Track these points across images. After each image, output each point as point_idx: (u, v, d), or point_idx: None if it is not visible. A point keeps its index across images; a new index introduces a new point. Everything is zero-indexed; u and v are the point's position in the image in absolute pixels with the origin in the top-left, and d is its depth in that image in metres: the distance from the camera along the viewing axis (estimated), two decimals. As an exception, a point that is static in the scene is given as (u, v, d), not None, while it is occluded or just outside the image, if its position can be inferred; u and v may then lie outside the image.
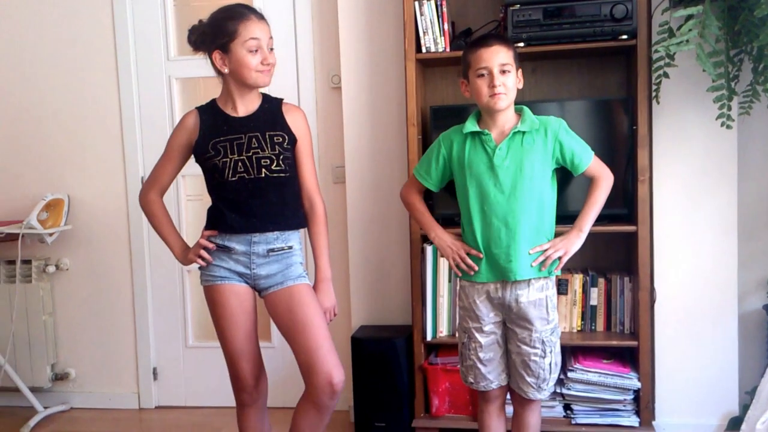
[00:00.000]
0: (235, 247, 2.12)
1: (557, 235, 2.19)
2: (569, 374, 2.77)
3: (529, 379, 2.15)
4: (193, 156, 2.20)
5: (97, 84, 3.41)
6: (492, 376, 2.21)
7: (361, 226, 3.14)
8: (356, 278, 3.15)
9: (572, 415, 2.79)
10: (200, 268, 2.19)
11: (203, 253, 2.15)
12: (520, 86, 2.15)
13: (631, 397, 2.73)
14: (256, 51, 2.07)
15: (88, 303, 3.50)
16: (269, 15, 2.21)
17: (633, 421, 2.72)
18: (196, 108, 2.21)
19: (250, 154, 2.09)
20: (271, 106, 2.18)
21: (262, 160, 2.10)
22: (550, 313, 2.15)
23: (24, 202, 3.42)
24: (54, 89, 3.45)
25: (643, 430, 2.70)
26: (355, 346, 2.95)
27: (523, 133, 2.11)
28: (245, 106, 2.15)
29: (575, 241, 2.13)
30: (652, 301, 2.75)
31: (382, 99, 3.08)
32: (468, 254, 2.16)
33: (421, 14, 2.74)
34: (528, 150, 2.10)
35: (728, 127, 2.46)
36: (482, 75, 2.07)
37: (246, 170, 2.09)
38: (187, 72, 3.38)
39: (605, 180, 2.16)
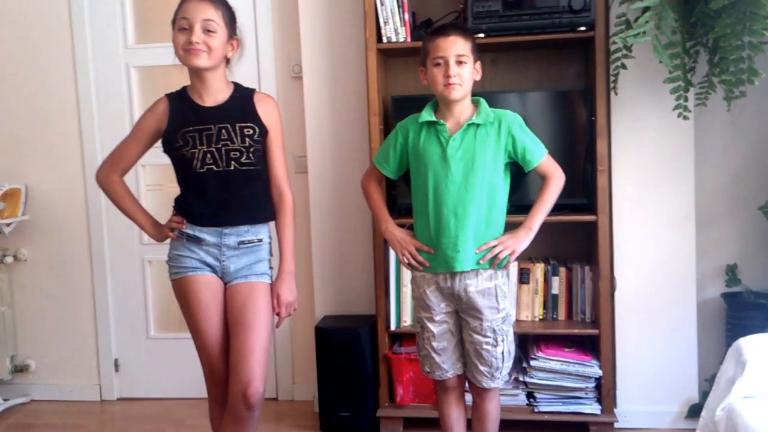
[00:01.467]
0: (206, 237, 2.08)
1: (508, 228, 2.19)
2: (532, 363, 2.79)
3: (482, 368, 2.17)
4: (161, 144, 2.13)
5: (54, 72, 3.34)
6: (446, 365, 2.21)
7: (324, 216, 3.12)
8: (319, 268, 3.14)
9: (535, 403, 2.81)
10: (168, 260, 2.15)
11: (175, 220, 2.11)
12: (478, 78, 2.14)
13: (593, 384, 2.76)
14: (185, 30, 2.00)
15: (48, 294, 3.45)
16: (231, 3, 2.15)
17: (595, 408, 2.76)
18: (166, 95, 2.15)
19: (220, 145, 2.04)
20: (242, 96, 2.13)
21: (232, 153, 2.05)
22: (500, 302, 2.15)
23: (-20, 193, 3.35)
24: (9, 78, 3.37)
25: (605, 417, 2.74)
26: (319, 336, 2.94)
27: (478, 125, 2.11)
28: (212, 95, 2.09)
29: (524, 239, 2.13)
30: (612, 289, 2.77)
31: (344, 89, 3.06)
32: (419, 250, 2.17)
33: (382, 4, 2.72)
34: (481, 142, 2.09)
35: (685, 118, 2.48)
36: (438, 64, 2.07)
37: (215, 162, 2.05)
38: (146, 60, 3.32)
39: (556, 179, 2.16)
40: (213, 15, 2.02)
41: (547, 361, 2.78)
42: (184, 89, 2.14)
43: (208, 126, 2.05)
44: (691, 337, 2.83)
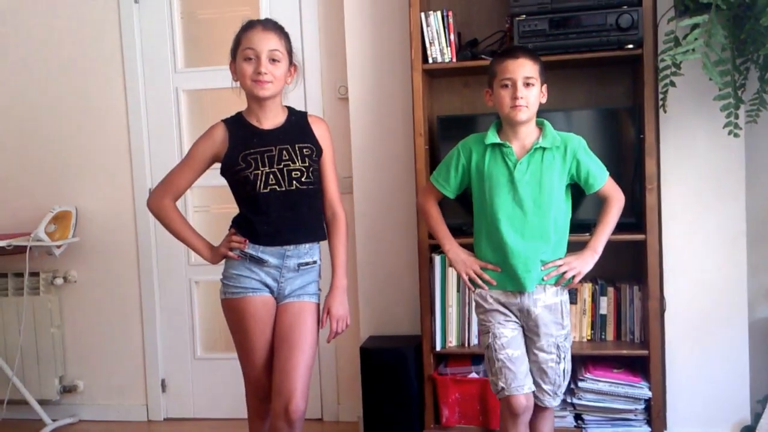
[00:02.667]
0: (268, 259, 2.14)
1: (569, 246, 2.22)
2: (580, 384, 2.76)
3: (546, 387, 2.18)
4: (220, 168, 2.19)
5: (105, 96, 3.43)
6: (522, 375, 2.17)
7: (369, 236, 3.14)
8: (364, 288, 3.15)
9: (583, 425, 2.78)
10: (224, 279, 2.19)
11: (233, 243, 2.15)
12: (544, 101, 2.18)
13: (643, 406, 2.72)
14: (251, 60, 2.07)
15: (96, 315, 3.51)
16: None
17: (644, 430, 2.71)
18: (222, 121, 2.21)
19: (281, 166, 2.11)
20: (298, 119, 2.21)
21: (293, 173, 2.11)
22: (564, 318, 2.19)
23: (32, 215, 3.42)
24: (62, 101, 3.47)
25: (655, 440, 2.70)
26: (364, 357, 2.94)
27: (544, 149, 2.14)
28: (269, 118, 2.16)
29: (589, 261, 2.18)
30: (662, 309, 2.74)
31: (389, 109, 3.09)
32: (485, 269, 2.20)
33: (428, 25, 2.75)
34: (548, 166, 2.13)
35: (735, 135, 2.46)
36: (506, 86, 2.10)
37: (277, 182, 2.11)
38: (195, 84, 3.39)
39: (617, 201, 2.20)
40: (278, 45, 2.09)
41: (596, 383, 2.74)
42: (239, 114, 2.21)
43: (269, 148, 2.12)
44: (742, 358, 2.78)
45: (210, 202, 3.51)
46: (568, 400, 2.80)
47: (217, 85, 3.37)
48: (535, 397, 2.20)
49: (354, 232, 3.15)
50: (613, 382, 2.72)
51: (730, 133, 2.46)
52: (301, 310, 2.16)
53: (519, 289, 2.16)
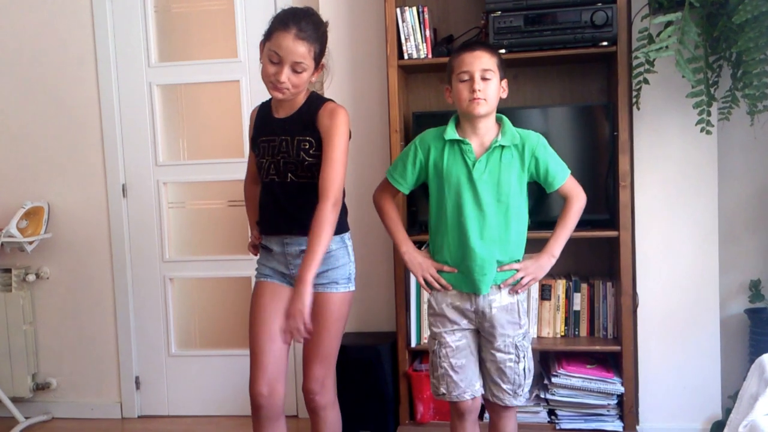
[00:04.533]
0: (273, 247, 2.15)
1: (529, 244, 2.18)
2: (553, 380, 2.77)
3: (505, 386, 2.13)
4: None
5: (77, 90, 3.38)
6: (464, 384, 2.14)
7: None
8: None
9: (556, 421, 2.79)
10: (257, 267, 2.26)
11: (251, 249, 2.31)
12: (504, 95, 2.11)
13: (615, 401, 2.74)
14: (275, 63, 2.00)
15: (69, 312, 3.47)
16: (252, 20, 2.12)
17: (617, 425, 2.73)
18: (261, 103, 2.23)
19: (279, 158, 2.09)
20: (310, 108, 2.09)
21: (288, 165, 2.09)
22: (521, 318, 2.13)
23: (3, 211, 3.38)
24: (33, 96, 3.41)
25: (627, 435, 2.72)
26: (339, 353, 2.92)
27: (503, 147, 2.08)
28: (285, 108, 2.12)
29: (546, 265, 2.13)
30: (635, 306, 2.76)
31: (365, 105, 3.08)
32: (441, 272, 2.14)
33: (403, 21, 2.74)
34: (506, 165, 2.07)
35: (708, 132, 2.48)
36: (464, 80, 2.03)
37: (276, 173, 2.10)
38: (169, 78, 3.35)
39: (578, 201, 2.13)
40: (304, 55, 2.00)
41: (569, 378, 2.75)
42: (270, 99, 2.19)
43: (273, 138, 2.11)
44: (714, 354, 2.81)
45: (185, 198, 3.48)
46: (542, 396, 2.82)
47: (191, 79, 3.35)
48: (496, 396, 2.16)
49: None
50: (586, 378, 2.74)
51: (702, 130, 2.47)
52: (316, 301, 2.04)
53: (474, 291, 2.10)
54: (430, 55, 2.76)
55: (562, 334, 2.88)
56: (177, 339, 3.46)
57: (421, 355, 2.97)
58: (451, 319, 2.14)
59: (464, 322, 2.14)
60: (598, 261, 2.96)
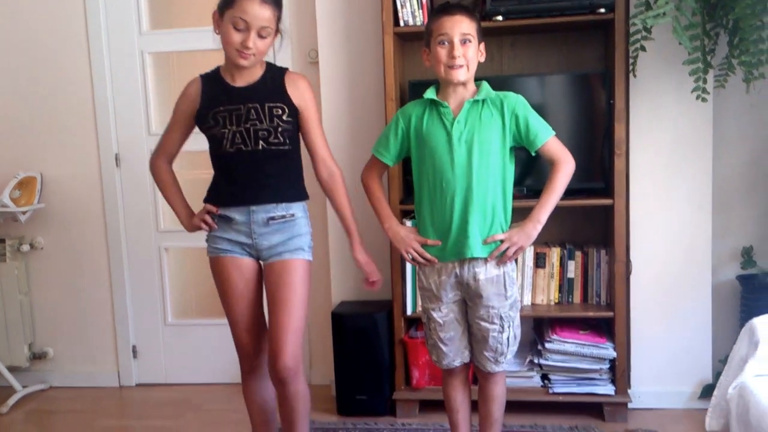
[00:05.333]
0: (235, 217, 2.10)
1: (517, 213, 2.16)
2: (547, 345, 2.81)
3: (486, 354, 2.14)
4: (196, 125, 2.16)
5: (68, 59, 3.33)
6: (453, 354, 2.18)
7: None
8: (336, 254, 3.15)
9: (549, 385, 2.84)
10: (207, 239, 2.19)
11: (207, 218, 2.14)
12: (482, 59, 2.09)
13: (607, 366, 2.78)
14: (240, 30, 1.99)
15: (65, 282, 3.47)
16: None
17: (609, 389, 2.78)
18: (200, 75, 2.16)
19: (248, 125, 2.05)
20: (273, 76, 2.11)
21: (260, 132, 2.05)
22: (507, 290, 2.11)
23: (-5, 181, 3.36)
24: (24, 66, 3.37)
25: (619, 398, 2.77)
26: (336, 322, 2.96)
27: (482, 103, 2.05)
28: (243, 76, 2.08)
29: (532, 233, 2.08)
30: (628, 272, 2.79)
31: (360, 74, 3.06)
32: (426, 247, 2.12)
33: (399, -13, 2.71)
34: (486, 124, 2.04)
35: (704, 100, 2.48)
36: (443, 43, 2.01)
37: (243, 142, 2.06)
38: (161, 46, 3.32)
39: (565, 165, 2.07)
40: (270, 20, 2.01)
41: (562, 344, 2.79)
42: (217, 69, 2.15)
43: (237, 106, 2.06)
44: (705, 319, 2.85)
45: (179, 168, 3.43)
46: (535, 361, 2.86)
47: (184, 47, 3.31)
48: (479, 363, 2.18)
49: (325, 198, 3.12)
50: (579, 343, 2.78)
51: (698, 97, 2.48)
52: (283, 270, 2.11)
53: (459, 257, 2.08)
54: (426, 22, 2.73)
55: (556, 301, 2.91)
56: (173, 308, 3.47)
57: (416, 322, 3.00)
58: (437, 295, 2.14)
59: (451, 295, 2.13)
60: (593, 229, 2.98)
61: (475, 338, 2.16)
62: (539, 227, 2.08)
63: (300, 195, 2.17)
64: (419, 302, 2.86)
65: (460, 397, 2.25)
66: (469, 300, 2.13)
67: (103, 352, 3.49)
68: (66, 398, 3.39)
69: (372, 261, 2.24)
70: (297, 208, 2.15)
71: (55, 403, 3.35)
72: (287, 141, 2.09)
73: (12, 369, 3.38)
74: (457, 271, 2.09)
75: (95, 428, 3.02)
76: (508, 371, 2.50)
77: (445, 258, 2.10)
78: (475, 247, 2.06)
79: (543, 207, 2.07)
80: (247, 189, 2.09)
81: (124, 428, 3.03)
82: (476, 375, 2.24)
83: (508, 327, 2.11)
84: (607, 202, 2.70)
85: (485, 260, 2.07)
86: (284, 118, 2.08)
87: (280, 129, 2.07)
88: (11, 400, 3.24)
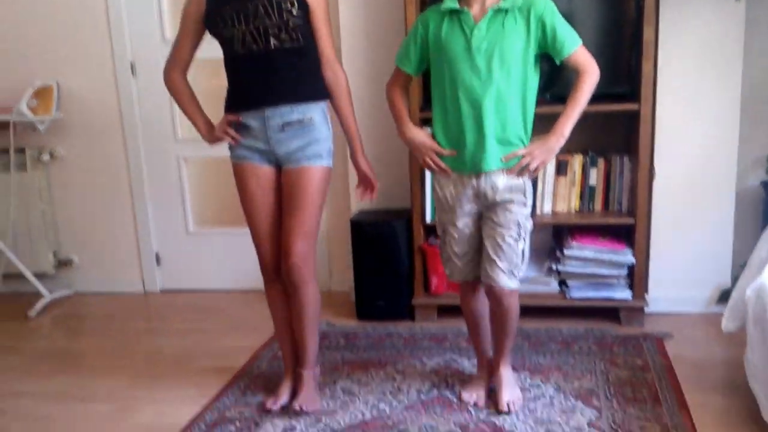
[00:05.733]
0: (250, 123, 2.08)
1: (540, 122, 2.09)
2: (566, 252, 2.82)
3: (501, 264, 2.03)
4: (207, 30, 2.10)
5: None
6: (468, 269, 2.15)
7: (359, 109, 3.06)
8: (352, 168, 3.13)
9: (567, 290, 2.87)
10: (229, 146, 2.17)
11: (229, 130, 2.12)
12: None
13: (625, 272, 2.80)
14: None
15: (85, 191, 3.51)
16: None
17: (626, 294, 2.80)
18: None
19: (257, 24, 1.98)
20: None
21: (270, 30, 1.99)
22: (527, 198, 2.04)
23: (12, 91, 3.34)
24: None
25: (635, 303, 2.79)
26: (355, 230, 2.98)
27: (505, 12, 1.92)
28: None
29: (555, 147, 1.98)
30: (651, 179, 2.76)
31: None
32: (441, 157, 2.06)
33: None
34: (509, 31, 1.92)
35: (737, 0, 2.39)
36: None
37: (254, 41, 2.00)
38: (173, -51, 3.23)
39: (590, 76, 1.95)
40: None
41: (581, 250, 2.80)
42: None
43: (244, 4, 1.99)
44: (727, 226, 2.83)
45: (196, 75, 3.39)
46: (553, 268, 2.88)
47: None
48: (490, 278, 2.06)
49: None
50: (598, 250, 2.79)
51: (731, -3, 2.38)
52: (299, 176, 2.10)
53: (475, 170, 2.01)
54: None
55: (577, 209, 2.90)
56: (194, 217, 3.51)
57: (435, 230, 3.01)
58: (452, 207, 2.09)
59: (467, 207, 2.07)
60: (616, 136, 2.94)
61: (487, 250, 2.06)
62: (562, 141, 1.97)
63: (317, 94, 2.10)
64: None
65: (479, 306, 2.23)
66: (487, 210, 2.06)
67: (127, 260, 3.56)
68: (92, 303, 3.49)
69: (372, 169, 2.24)
70: (315, 111, 2.09)
71: (82, 307, 3.45)
72: (299, 38, 2.03)
73: (38, 276, 3.46)
74: (474, 182, 2.03)
75: (123, 330, 3.11)
76: (525, 279, 2.45)
77: (461, 170, 2.03)
78: (493, 162, 1.99)
79: (567, 120, 1.96)
80: (261, 91, 2.04)
81: (152, 330, 3.13)
82: (488, 300, 2.15)
83: (524, 239, 2.04)
84: (632, 107, 2.65)
85: (503, 171, 2.00)
86: (294, 12, 2.00)
87: (290, 24, 2.01)
88: (39, 305, 3.34)
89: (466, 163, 2.01)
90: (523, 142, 2.01)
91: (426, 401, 2.29)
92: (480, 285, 2.17)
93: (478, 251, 2.12)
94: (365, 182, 2.26)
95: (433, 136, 2.09)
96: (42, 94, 3.33)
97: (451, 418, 2.17)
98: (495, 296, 2.09)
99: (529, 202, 2.06)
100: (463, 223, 2.09)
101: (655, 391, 2.27)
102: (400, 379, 2.44)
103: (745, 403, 2.16)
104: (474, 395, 2.28)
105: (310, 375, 2.29)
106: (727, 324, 2.25)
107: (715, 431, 2.04)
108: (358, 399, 2.32)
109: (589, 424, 2.09)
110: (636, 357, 2.52)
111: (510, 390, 2.22)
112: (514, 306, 2.11)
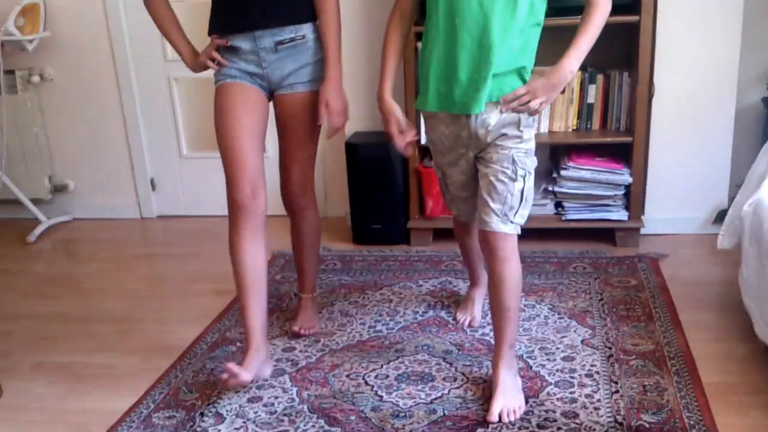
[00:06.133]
0: (240, 45, 1.94)
1: (553, 33, 1.93)
2: (562, 173, 2.80)
3: (493, 206, 1.78)
4: None
5: None
6: (473, 210, 2.01)
7: (354, 29, 3.01)
8: (349, 84, 3.04)
9: (563, 212, 2.86)
10: (215, 73, 2.01)
11: (215, 54, 1.97)
12: None
13: (622, 192, 2.79)
14: None
15: (77, 114, 3.45)
16: None
17: (622, 215, 2.80)
18: None
19: None
20: None
21: None
22: (523, 131, 1.78)
23: (-3, 10, 3.25)
24: None
25: (631, 224, 2.79)
26: (350, 152, 2.95)
27: None
28: None
29: (560, 84, 1.71)
30: (650, 95, 2.71)
31: None
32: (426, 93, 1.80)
33: None
34: None
35: None
36: None
37: None
38: None
39: (601, 9, 1.71)
40: None
41: (578, 171, 2.78)
42: None
43: None
44: (726, 144, 2.80)
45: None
46: (550, 189, 2.87)
47: None
48: (483, 221, 1.82)
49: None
50: (595, 170, 2.77)
51: None
52: (293, 103, 1.99)
53: (466, 111, 1.75)
54: None
55: (575, 127, 2.86)
56: (188, 141, 3.47)
57: (430, 151, 2.98)
58: (448, 148, 1.86)
59: (462, 150, 1.84)
60: (616, 50, 2.85)
61: (480, 192, 1.82)
62: (569, 77, 1.71)
63: (309, 13, 1.97)
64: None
65: (476, 243, 2.05)
66: (480, 151, 1.82)
67: (123, 185, 3.54)
68: (90, 228, 3.49)
69: (342, 110, 1.99)
70: (307, 29, 1.96)
71: (80, 232, 3.46)
72: None
73: (35, 201, 3.46)
74: (465, 122, 1.78)
75: (122, 255, 3.13)
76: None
77: (450, 108, 1.78)
78: (484, 101, 1.72)
79: (575, 53, 1.69)
80: (250, 10, 1.91)
81: (150, 255, 3.14)
82: (483, 251, 1.88)
83: (522, 177, 1.78)
84: (633, 19, 2.57)
85: (496, 105, 1.74)
86: None
87: None
88: (37, 230, 3.35)
89: (456, 103, 1.76)
90: (524, 79, 1.75)
91: (422, 322, 2.32)
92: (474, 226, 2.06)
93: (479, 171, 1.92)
94: (332, 119, 1.99)
95: (419, 68, 1.85)
96: (29, 11, 3.23)
97: (446, 337, 2.21)
98: (489, 246, 1.82)
99: (527, 136, 1.79)
100: (462, 164, 1.88)
101: (649, 310, 2.29)
102: (396, 301, 2.47)
103: (739, 320, 2.19)
104: (468, 315, 2.30)
105: (309, 299, 2.30)
106: (723, 241, 2.26)
107: (708, 347, 2.08)
108: (356, 320, 2.36)
109: (583, 342, 2.13)
110: (630, 277, 2.54)
111: (506, 397, 1.84)
112: (512, 267, 1.82)
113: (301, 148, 2.06)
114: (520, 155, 1.78)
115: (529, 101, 1.71)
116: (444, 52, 1.75)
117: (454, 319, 2.32)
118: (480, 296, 2.32)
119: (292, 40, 1.95)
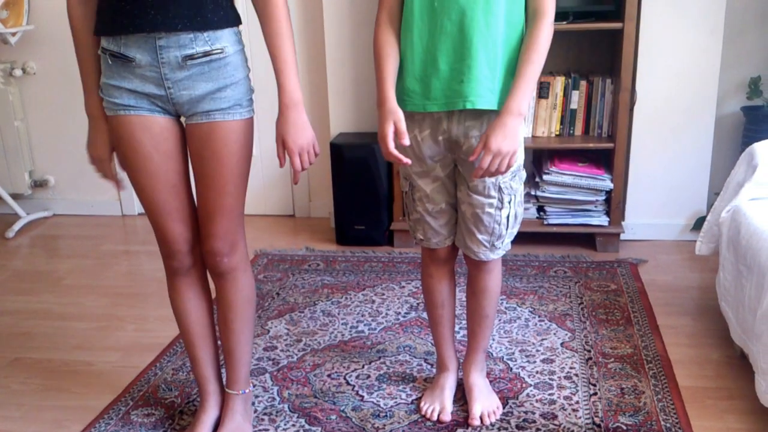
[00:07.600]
0: (135, 55, 1.44)
1: None
2: (544, 177, 2.83)
3: (480, 237, 1.65)
4: None
5: None
6: (446, 230, 1.72)
7: (339, 29, 3.01)
8: (334, 85, 3.08)
9: (545, 217, 2.88)
10: (100, 91, 1.52)
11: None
12: None
13: (603, 198, 2.81)
14: None
15: (60, 109, 3.42)
16: None
17: (603, 220, 2.83)
18: None
19: None
20: None
21: None
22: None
23: (-21, 3, 3.22)
24: None
25: (612, 229, 2.82)
26: (335, 153, 2.95)
27: None
28: None
29: (516, 130, 1.49)
30: (632, 102, 2.74)
31: None
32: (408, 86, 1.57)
33: None
34: None
35: None
36: None
37: None
38: None
39: (547, 23, 1.50)
40: None
41: (560, 175, 2.81)
42: None
43: None
44: (705, 152, 2.84)
45: None
46: (532, 193, 2.89)
47: None
48: (468, 249, 1.69)
49: (323, 24, 3.01)
50: (576, 175, 2.79)
51: None
52: (211, 135, 1.50)
53: (447, 107, 1.54)
54: None
55: (557, 133, 2.89)
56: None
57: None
58: (423, 155, 1.62)
59: (438, 156, 1.63)
60: (599, 57, 2.90)
61: (463, 217, 1.67)
62: (521, 119, 1.49)
63: (230, 16, 1.48)
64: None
65: (445, 291, 1.82)
66: (460, 164, 1.63)
67: (103, 182, 3.49)
68: (70, 225, 3.46)
69: (308, 145, 1.53)
70: (227, 39, 1.47)
71: (60, 229, 3.42)
72: None
73: (15, 196, 3.42)
74: (445, 125, 1.58)
75: (102, 252, 3.10)
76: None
77: (428, 106, 1.56)
78: (472, 94, 1.51)
79: (521, 91, 1.48)
80: (148, 7, 1.40)
81: (130, 253, 3.12)
82: (466, 264, 1.78)
83: (509, 203, 1.63)
84: (617, 25, 2.60)
85: (480, 115, 1.55)
86: None
87: None
88: (16, 226, 3.32)
89: (437, 98, 1.55)
90: (511, 75, 1.53)
91: (404, 323, 2.33)
92: (451, 262, 1.81)
93: (455, 207, 1.71)
94: (294, 160, 1.53)
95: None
96: (12, 4, 3.20)
97: (428, 338, 2.21)
98: (474, 264, 1.75)
99: (516, 154, 1.52)
100: (436, 174, 1.65)
101: (628, 314, 2.32)
102: (378, 302, 2.48)
103: (715, 325, 2.22)
104: (437, 405, 1.85)
105: (238, 399, 1.74)
106: (701, 247, 2.29)
107: (685, 351, 2.11)
108: (338, 320, 2.36)
109: (563, 345, 2.14)
110: (610, 281, 2.57)
111: (484, 398, 1.82)
112: (495, 278, 1.76)
113: (224, 194, 1.55)
114: (506, 180, 1.60)
115: (499, 162, 1.49)
116: (423, 41, 1.54)
117: (417, 408, 1.87)
118: (452, 384, 1.89)
119: (206, 54, 1.45)
